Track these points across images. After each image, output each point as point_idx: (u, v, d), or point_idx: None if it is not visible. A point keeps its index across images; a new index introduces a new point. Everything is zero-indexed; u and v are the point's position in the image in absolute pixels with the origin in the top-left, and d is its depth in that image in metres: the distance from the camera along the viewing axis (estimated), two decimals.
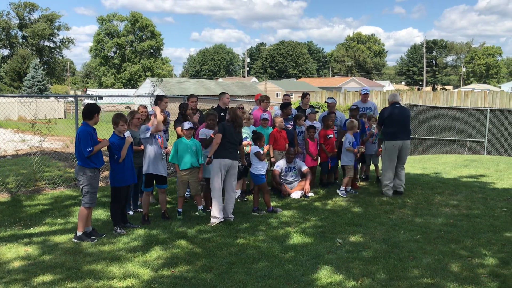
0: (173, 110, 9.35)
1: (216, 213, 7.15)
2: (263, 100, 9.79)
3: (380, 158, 10.52)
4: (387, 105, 11.70)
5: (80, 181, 6.40)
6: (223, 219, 7.20)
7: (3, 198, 8.79)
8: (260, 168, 7.86)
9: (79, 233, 6.37)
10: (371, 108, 10.57)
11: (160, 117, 7.28)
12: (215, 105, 9.80)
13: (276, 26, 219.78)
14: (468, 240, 6.38)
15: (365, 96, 10.69)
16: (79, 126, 7.43)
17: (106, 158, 7.24)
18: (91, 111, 6.38)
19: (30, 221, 7.33)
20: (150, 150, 7.25)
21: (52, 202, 8.62)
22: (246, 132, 8.61)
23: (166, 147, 7.68)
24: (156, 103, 8.59)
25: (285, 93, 11.92)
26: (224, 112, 9.42)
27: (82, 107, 6.76)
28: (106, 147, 6.64)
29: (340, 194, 9.09)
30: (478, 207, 8.21)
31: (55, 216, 7.66)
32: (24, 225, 7.12)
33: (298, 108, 10.60)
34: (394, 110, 9.17)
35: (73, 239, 6.37)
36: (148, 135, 7.20)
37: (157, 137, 7.31)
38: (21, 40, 75.52)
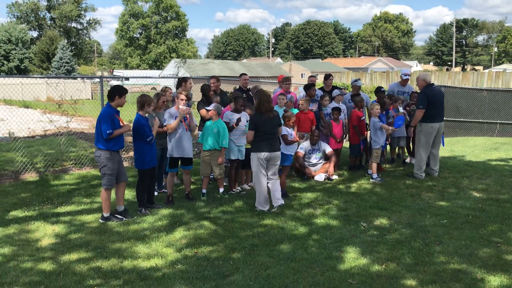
0: (198, 91, 9.32)
1: (261, 203, 6.91)
2: (283, 82, 9.68)
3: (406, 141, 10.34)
4: (414, 86, 11.38)
5: (98, 163, 6.44)
6: (267, 211, 6.83)
7: (31, 177, 8.99)
8: (289, 148, 7.76)
9: (105, 214, 6.45)
10: (408, 93, 10.29)
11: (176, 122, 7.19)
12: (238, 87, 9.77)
13: (301, 5, 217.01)
14: (497, 225, 6.21)
15: (405, 81, 10.38)
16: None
17: (128, 139, 7.29)
18: (113, 93, 6.33)
19: (57, 201, 7.48)
20: (174, 132, 7.24)
21: (79, 182, 8.77)
22: None
23: (195, 126, 7.58)
24: (180, 85, 8.55)
25: (310, 74, 11.76)
26: (245, 93, 9.37)
27: (109, 88, 6.75)
28: (130, 130, 6.65)
29: (376, 181, 8.72)
30: (508, 192, 7.98)
31: (82, 196, 7.80)
32: (51, 204, 7.28)
33: (321, 90, 10.45)
34: (434, 91, 8.88)
35: (100, 220, 6.45)
36: (165, 123, 7.20)
37: (182, 119, 7.27)
38: (49, 22, 76.57)
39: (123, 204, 6.67)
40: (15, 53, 59.16)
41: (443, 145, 9.62)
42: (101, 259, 5.12)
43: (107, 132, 6.16)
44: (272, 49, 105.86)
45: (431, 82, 9.01)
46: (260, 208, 6.88)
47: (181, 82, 8.57)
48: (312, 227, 6.21)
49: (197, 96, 9.29)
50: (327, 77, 10.47)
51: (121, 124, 6.40)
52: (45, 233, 6.00)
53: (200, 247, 5.49)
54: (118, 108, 6.48)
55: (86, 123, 17.68)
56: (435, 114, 8.77)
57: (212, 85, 9.03)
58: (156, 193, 7.84)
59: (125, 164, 10.01)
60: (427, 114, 8.74)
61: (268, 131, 6.79)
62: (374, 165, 8.89)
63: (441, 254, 5.25)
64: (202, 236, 5.85)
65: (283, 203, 6.93)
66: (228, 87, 16.56)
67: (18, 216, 6.70)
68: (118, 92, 6.34)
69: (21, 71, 58.49)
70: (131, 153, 10.71)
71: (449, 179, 8.93)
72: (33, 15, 74.52)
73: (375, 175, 8.83)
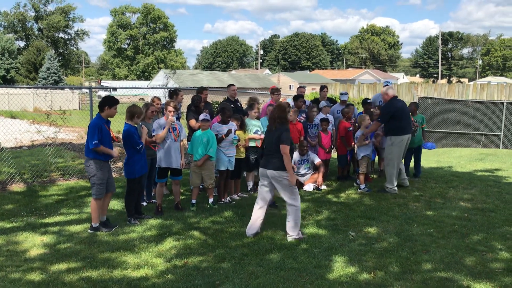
0: (187, 102, 9.37)
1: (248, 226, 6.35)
2: (273, 93, 9.82)
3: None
4: (401, 97, 11.45)
5: (88, 173, 6.45)
6: (249, 235, 6.24)
7: (19, 188, 8.93)
8: None
9: (94, 225, 6.44)
10: None
11: (164, 132, 7.23)
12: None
13: (289, 17, 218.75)
14: (482, 234, 6.32)
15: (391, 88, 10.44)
16: (93, 118, 7.46)
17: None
18: (103, 104, 6.34)
19: (45, 211, 7.43)
20: (163, 142, 7.27)
21: (67, 192, 8.72)
22: (257, 124, 8.61)
23: (182, 139, 7.62)
24: (171, 97, 8.59)
25: (299, 86, 11.92)
26: (233, 104, 9.45)
27: (97, 99, 6.76)
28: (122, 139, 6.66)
29: (364, 191, 8.82)
30: (493, 201, 8.13)
31: (70, 206, 7.76)
32: (39, 215, 7.23)
33: (316, 101, 10.57)
34: (399, 104, 8.78)
35: (88, 230, 6.43)
36: (154, 133, 7.24)
37: (171, 130, 7.32)
38: (36, 32, 76.14)
39: (105, 214, 6.66)
40: (1, 63, 58.68)
41: (425, 147, 9.75)
42: (90, 269, 5.11)
43: (93, 142, 6.16)
44: (261, 60, 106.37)
45: (395, 95, 8.89)
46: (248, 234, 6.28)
47: (173, 94, 8.62)
48: None
49: (186, 107, 9.33)
50: (322, 88, 10.68)
51: (112, 135, 6.42)
52: (34, 243, 5.96)
53: (190, 257, 5.50)
54: (110, 119, 6.50)
55: (74, 134, 17.59)
56: (403, 126, 8.67)
57: (204, 96, 9.10)
58: (145, 204, 7.85)
59: (114, 174, 9.99)
60: (396, 127, 8.62)
61: (265, 145, 6.42)
62: (362, 176, 8.99)
63: (428, 262, 5.32)
64: (192, 246, 5.86)
65: (295, 238, 6.11)
66: (217, 98, 16.62)
67: (5, 226, 6.64)
68: (108, 103, 6.35)
69: (8, 81, 57.95)
70: (119, 164, 10.69)
71: (435, 189, 9.05)
72: (20, 25, 74.09)
73: (362, 186, 8.93)
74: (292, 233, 6.12)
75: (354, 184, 9.30)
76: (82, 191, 8.83)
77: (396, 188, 8.73)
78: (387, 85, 10.32)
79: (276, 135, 6.09)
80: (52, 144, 10.98)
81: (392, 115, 8.62)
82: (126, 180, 6.96)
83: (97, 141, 6.17)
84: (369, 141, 9.12)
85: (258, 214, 6.29)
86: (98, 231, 6.37)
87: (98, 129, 6.21)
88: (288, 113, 6.37)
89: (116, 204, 7.85)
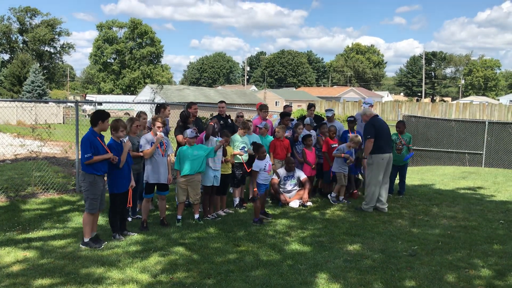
0: (173, 117, 9.39)
1: None
2: (261, 110, 9.90)
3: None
4: (385, 116, 11.61)
5: (82, 187, 6.41)
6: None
7: (1, 202, 8.80)
8: (267, 177, 7.92)
9: (85, 239, 6.36)
10: None
11: (152, 148, 7.24)
12: (215, 113, 9.90)
13: (276, 35, 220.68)
14: (465, 251, 6.40)
15: (369, 108, 10.58)
16: (79, 132, 7.43)
17: None
18: (96, 118, 6.35)
19: (28, 226, 7.34)
20: (151, 158, 7.26)
21: (51, 207, 8.62)
22: (244, 141, 8.66)
23: (169, 154, 7.62)
24: (158, 111, 8.60)
25: (285, 103, 12.07)
26: (223, 120, 9.50)
27: (82, 113, 6.75)
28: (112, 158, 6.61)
29: (331, 201, 9.21)
30: (476, 219, 8.24)
31: (54, 221, 7.67)
32: (22, 230, 7.13)
33: (303, 118, 10.66)
34: (381, 122, 8.83)
35: (80, 245, 6.35)
36: (141, 149, 7.24)
37: (158, 145, 7.30)
38: (21, 45, 75.64)
39: (95, 230, 6.59)
40: None
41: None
42: (74, 284, 5.04)
43: (86, 156, 6.15)
44: (247, 77, 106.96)
45: (375, 114, 8.99)
46: None
47: (160, 108, 8.63)
48: (286, 252, 6.26)
49: (173, 122, 9.35)
50: (310, 107, 10.82)
51: (107, 150, 6.40)
52: (16, 258, 5.87)
53: (175, 272, 5.47)
54: (103, 133, 6.48)
55: (58, 148, 17.41)
56: (383, 145, 8.62)
57: (193, 111, 9.13)
58: (130, 219, 7.78)
59: None
60: (376, 146, 8.57)
61: None
62: (337, 187, 9.33)
63: (412, 279, 5.37)
64: (177, 262, 5.82)
65: None
66: (203, 114, 16.64)
67: None
68: (101, 117, 6.36)
69: None
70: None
71: (419, 207, 9.15)
72: (4, 38, 73.55)
73: (333, 194, 9.30)
74: None
75: (328, 196, 9.44)
76: (66, 205, 8.74)
77: (371, 208, 8.69)
78: (368, 103, 10.42)
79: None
80: (36, 158, 10.86)
81: (375, 132, 8.62)
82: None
83: (90, 155, 6.15)
84: (347, 155, 9.27)
85: None
86: (88, 246, 6.28)
87: (91, 142, 6.20)
88: None
89: (100, 219, 7.76)
